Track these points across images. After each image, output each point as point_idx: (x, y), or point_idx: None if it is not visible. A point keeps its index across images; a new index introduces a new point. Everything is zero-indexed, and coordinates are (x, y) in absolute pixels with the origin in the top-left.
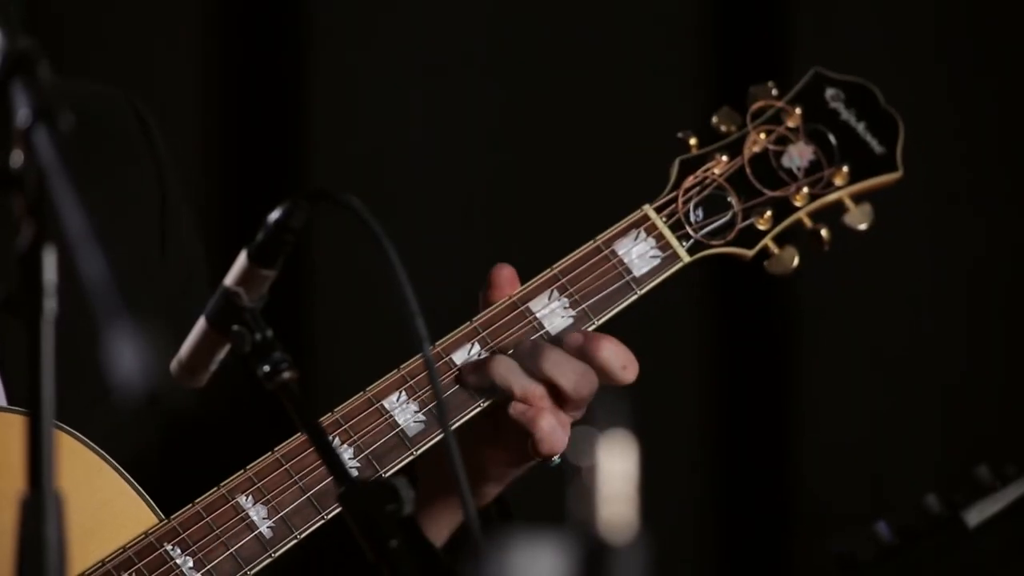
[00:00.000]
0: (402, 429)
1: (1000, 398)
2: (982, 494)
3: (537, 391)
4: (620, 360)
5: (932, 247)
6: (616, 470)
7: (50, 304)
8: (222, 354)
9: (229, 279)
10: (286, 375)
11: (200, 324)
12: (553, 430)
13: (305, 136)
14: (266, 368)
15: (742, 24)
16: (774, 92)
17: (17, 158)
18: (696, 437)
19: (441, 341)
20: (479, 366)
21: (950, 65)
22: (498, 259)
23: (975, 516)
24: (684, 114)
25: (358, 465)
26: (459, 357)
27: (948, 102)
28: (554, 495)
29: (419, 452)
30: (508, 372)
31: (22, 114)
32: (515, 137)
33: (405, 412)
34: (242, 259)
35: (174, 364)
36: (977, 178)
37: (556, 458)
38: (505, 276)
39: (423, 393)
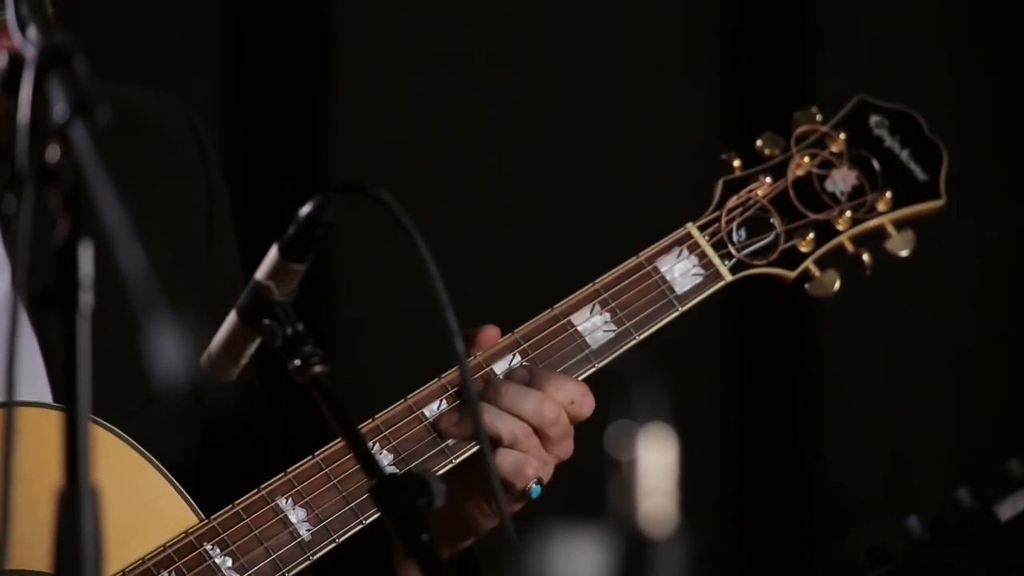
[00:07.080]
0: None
1: None
2: (1014, 488)
3: (522, 430)
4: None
5: (961, 238)
6: (656, 464)
7: (86, 298)
8: (252, 348)
9: (260, 273)
10: (317, 368)
11: (231, 318)
12: (543, 465)
13: (325, 130)
14: (297, 362)
15: (763, 20)
16: (818, 117)
17: (54, 152)
18: (732, 432)
19: (483, 352)
20: (456, 416)
21: (951, 65)
22: (520, 256)
23: (1008, 510)
24: (703, 112)
25: (397, 471)
26: (500, 367)
27: (957, 98)
28: (594, 489)
29: (458, 461)
30: (494, 418)
31: (59, 109)
32: (536, 135)
33: None
34: (273, 253)
35: (204, 358)
36: (995, 174)
37: (535, 485)
38: (488, 336)
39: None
